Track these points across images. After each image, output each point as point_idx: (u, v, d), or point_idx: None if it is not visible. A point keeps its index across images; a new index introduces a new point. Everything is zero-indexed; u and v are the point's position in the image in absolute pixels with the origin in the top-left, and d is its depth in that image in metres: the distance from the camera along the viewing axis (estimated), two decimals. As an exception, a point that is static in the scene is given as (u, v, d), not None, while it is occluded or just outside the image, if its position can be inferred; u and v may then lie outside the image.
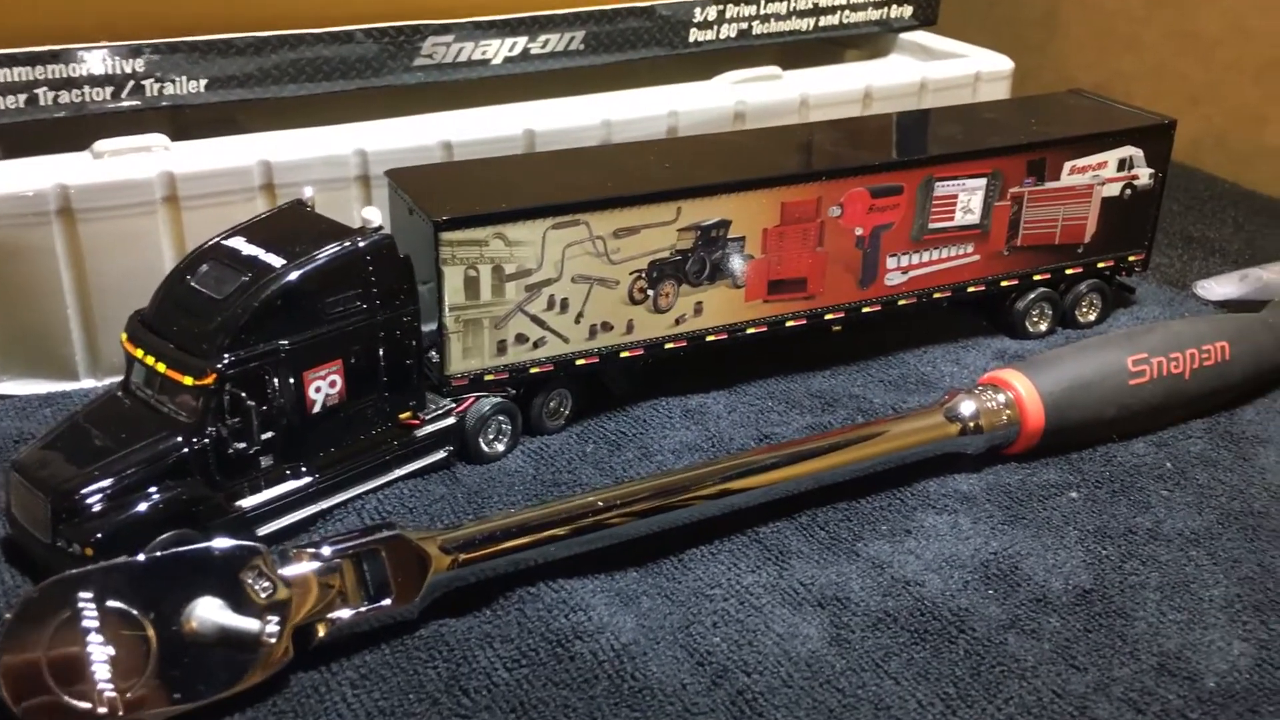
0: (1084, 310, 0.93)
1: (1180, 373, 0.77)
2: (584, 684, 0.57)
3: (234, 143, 0.84)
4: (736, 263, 0.78)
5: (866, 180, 0.81)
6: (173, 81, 0.86)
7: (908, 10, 1.16)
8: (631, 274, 0.76)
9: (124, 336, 0.66)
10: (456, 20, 0.94)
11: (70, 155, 0.82)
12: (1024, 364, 0.77)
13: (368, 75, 0.93)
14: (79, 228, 0.76)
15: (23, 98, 0.82)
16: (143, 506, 0.60)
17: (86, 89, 0.84)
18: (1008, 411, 0.74)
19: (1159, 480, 0.74)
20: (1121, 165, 0.89)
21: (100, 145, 0.81)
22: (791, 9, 1.10)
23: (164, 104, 0.87)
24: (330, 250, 0.65)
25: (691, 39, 1.05)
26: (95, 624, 0.53)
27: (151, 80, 0.86)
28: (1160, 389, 0.77)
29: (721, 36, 1.07)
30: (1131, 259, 0.93)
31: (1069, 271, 0.91)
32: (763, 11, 1.08)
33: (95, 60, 0.83)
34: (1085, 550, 0.67)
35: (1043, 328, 0.91)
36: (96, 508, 0.59)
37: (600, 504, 0.63)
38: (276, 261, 0.64)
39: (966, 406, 0.73)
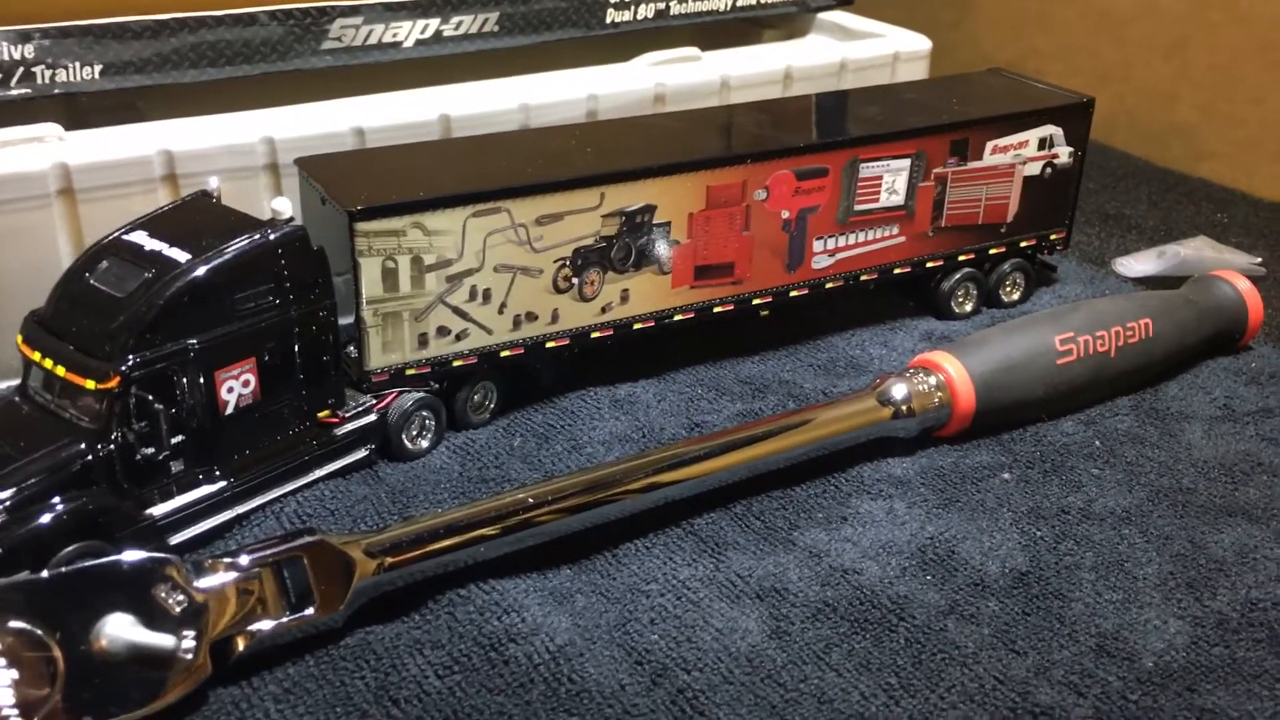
0: (1008, 289, 0.93)
1: (1106, 351, 0.78)
2: (519, 689, 0.55)
3: (133, 132, 0.80)
4: (662, 248, 0.77)
5: (792, 163, 0.80)
6: (66, 68, 0.82)
7: (824, -11, 1.15)
8: (555, 262, 0.74)
9: (19, 339, 0.62)
10: (366, 1, 0.91)
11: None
12: (954, 345, 0.76)
13: (273, 59, 0.90)
14: (-33, 224, 0.72)
15: (-105, 84, 0.77)
16: (46, 518, 0.57)
17: (-30, 76, 0.79)
18: (939, 394, 0.73)
19: (1089, 459, 0.74)
20: (1042, 144, 0.89)
21: (-12, 136, 0.77)
22: (709, -12, 1.08)
23: (57, 91, 0.83)
24: (240, 243, 0.62)
25: (608, 20, 1.03)
26: (-4, 647, 0.49)
27: (43, 67, 0.81)
28: (1087, 367, 0.77)
29: (639, 17, 1.05)
30: (1053, 237, 0.93)
31: (992, 251, 0.91)
32: (679, -10, 1.07)
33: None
34: (1020, 532, 0.67)
35: (968, 308, 0.91)
36: (-3, 520, 0.56)
37: (530, 500, 0.61)
38: (182, 256, 0.61)
39: (898, 390, 0.73)
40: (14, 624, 0.50)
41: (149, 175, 0.77)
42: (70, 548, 0.57)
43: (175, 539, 0.61)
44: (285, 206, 0.64)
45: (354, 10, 0.91)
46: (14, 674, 0.49)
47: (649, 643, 0.58)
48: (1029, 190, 0.90)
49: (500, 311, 0.73)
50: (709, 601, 0.61)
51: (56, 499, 0.57)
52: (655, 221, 0.76)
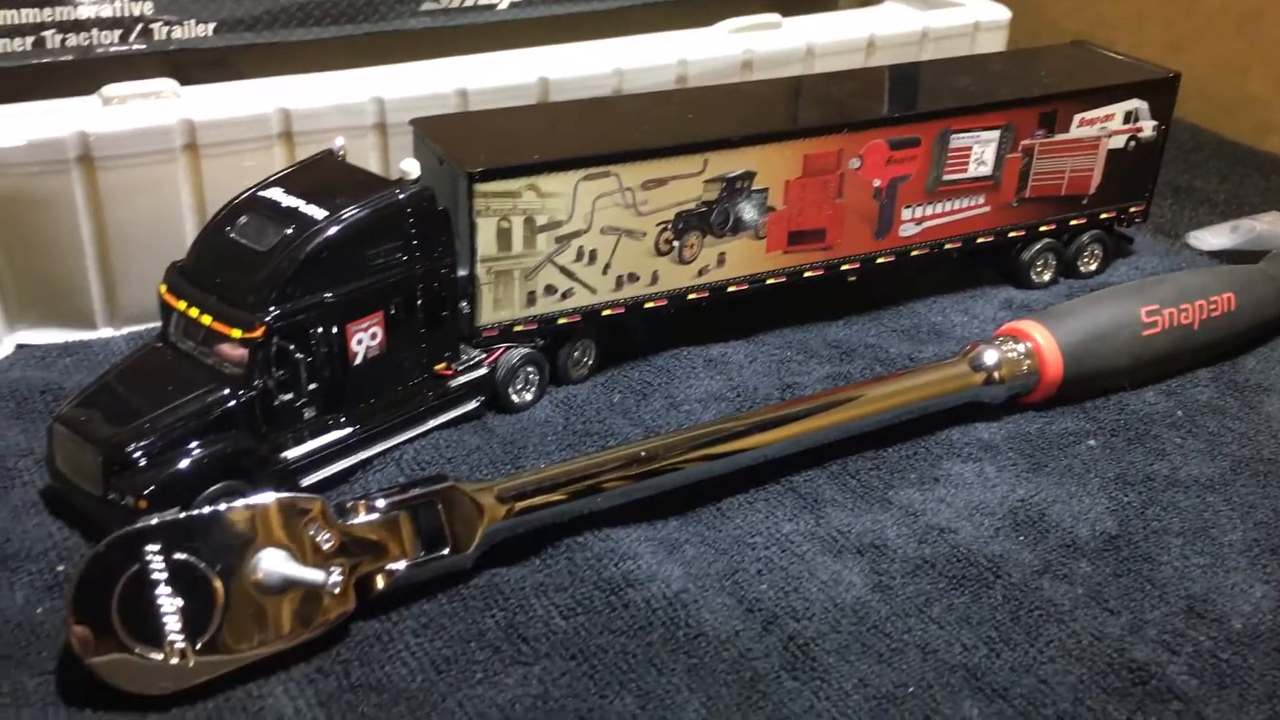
0: (1086, 261, 0.95)
1: (1190, 323, 0.80)
2: (640, 631, 0.58)
3: (248, 89, 0.83)
4: (758, 213, 0.79)
5: (887, 133, 0.82)
6: (181, 25, 0.85)
7: (902, -44, 1.16)
8: (658, 225, 0.76)
9: (162, 288, 0.65)
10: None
11: (79, 100, 0.80)
12: (1042, 314, 0.79)
13: (375, 19, 0.92)
14: (98, 175, 0.75)
15: (30, 40, 0.80)
16: (194, 459, 0.60)
17: (94, 32, 0.82)
18: (1028, 361, 0.76)
19: (1172, 428, 0.76)
20: (1128, 118, 0.91)
21: (110, 90, 0.80)
22: (788, -45, 1.09)
23: (171, 48, 0.85)
24: (372, 202, 0.65)
25: (695, -20, 1.05)
26: (163, 577, 0.53)
27: (160, 24, 0.84)
28: (1172, 339, 0.79)
29: (720, -19, 1.06)
30: (1133, 210, 0.95)
31: (1073, 223, 0.93)
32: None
33: (104, 3, 0.81)
34: (1108, 497, 0.69)
35: (1046, 277, 0.93)
36: (148, 460, 0.59)
37: (644, 454, 0.64)
38: (319, 214, 0.64)
39: (989, 356, 0.75)
40: (178, 556, 0.53)
41: (267, 132, 0.80)
42: (214, 487, 0.61)
43: (306, 481, 0.65)
44: (414, 168, 0.67)
45: (451, -28, 0.93)
46: (179, 602, 0.53)
47: (758, 592, 0.61)
48: (1112, 163, 0.92)
49: (604, 272, 0.76)
50: (812, 555, 0.64)
51: (203, 441, 0.61)
52: (754, 188, 0.78)
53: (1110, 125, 0.90)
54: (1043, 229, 0.92)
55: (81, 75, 0.81)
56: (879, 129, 0.81)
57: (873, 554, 0.64)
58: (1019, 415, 0.77)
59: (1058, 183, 0.91)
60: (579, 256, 0.75)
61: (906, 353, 0.83)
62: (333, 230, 0.63)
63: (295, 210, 0.64)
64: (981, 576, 0.63)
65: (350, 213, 0.64)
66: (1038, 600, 0.61)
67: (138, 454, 0.59)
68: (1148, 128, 0.92)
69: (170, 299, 0.64)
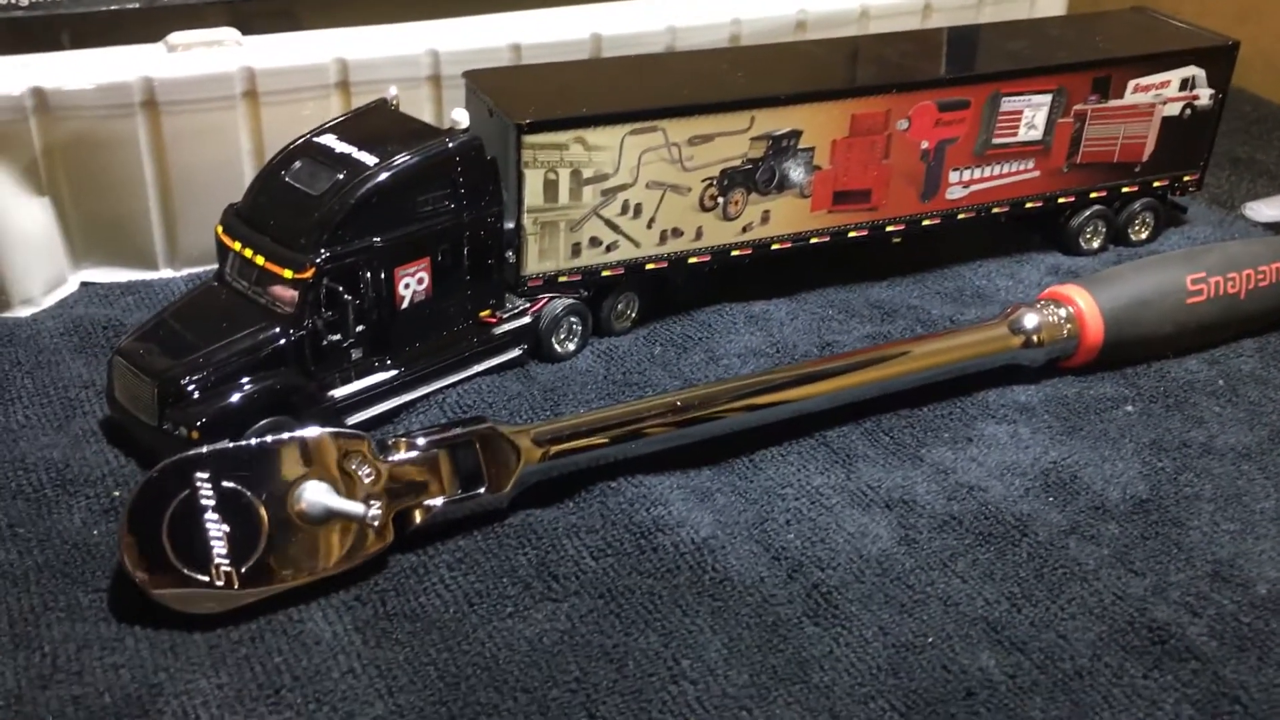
0: (1137, 229, 0.94)
1: (1236, 293, 0.79)
2: (667, 574, 0.60)
3: (307, 39, 0.85)
4: (804, 172, 0.79)
5: (935, 94, 0.82)
6: (245, -34, 0.87)
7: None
8: (703, 181, 0.77)
9: (219, 229, 0.67)
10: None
11: (145, 47, 0.82)
12: (1085, 279, 0.79)
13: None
14: (162, 120, 0.78)
15: (93, -21, 0.82)
16: (245, 393, 0.63)
17: (161, -25, 0.84)
18: (1068, 325, 0.76)
19: (1212, 396, 0.76)
20: (1184, 85, 0.90)
21: (174, 38, 0.82)
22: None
23: (231, -7, 0.87)
24: (421, 150, 0.67)
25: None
26: (212, 503, 0.55)
27: (224, -29, 0.86)
28: (1216, 308, 0.79)
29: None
30: (1186, 179, 0.94)
31: (1125, 190, 0.92)
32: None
33: (169, -49, 0.83)
34: (1141, 462, 0.70)
35: (1095, 244, 0.93)
36: (201, 393, 0.62)
37: (679, 404, 0.66)
38: (369, 160, 0.66)
39: (1029, 320, 0.75)
40: (226, 484, 0.56)
41: (324, 81, 0.82)
42: (264, 421, 0.63)
43: (351, 420, 0.67)
44: (463, 117, 0.68)
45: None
46: (226, 528, 0.55)
47: (785, 541, 0.62)
48: (1166, 131, 0.91)
49: (649, 226, 0.77)
50: (841, 508, 0.65)
51: (253, 377, 0.63)
52: (800, 146, 0.79)
53: (1166, 92, 0.90)
54: (1093, 195, 0.91)
55: (148, 23, 0.84)
56: (928, 90, 0.81)
57: (901, 509, 0.65)
58: (1058, 379, 0.77)
59: (1110, 149, 0.90)
60: (624, 210, 0.76)
61: (949, 315, 0.84)
62: (383, 176, 0.65)
63: (348, 156, 0.66)
64: (1008, 534, 0.64)
65: (400, 160, 0.66)
66: (1062, 559, 0.62)
67: (191, 387, 0.62)
68: (1204, 95, 0.91)
69: (226, 239, 0.66)
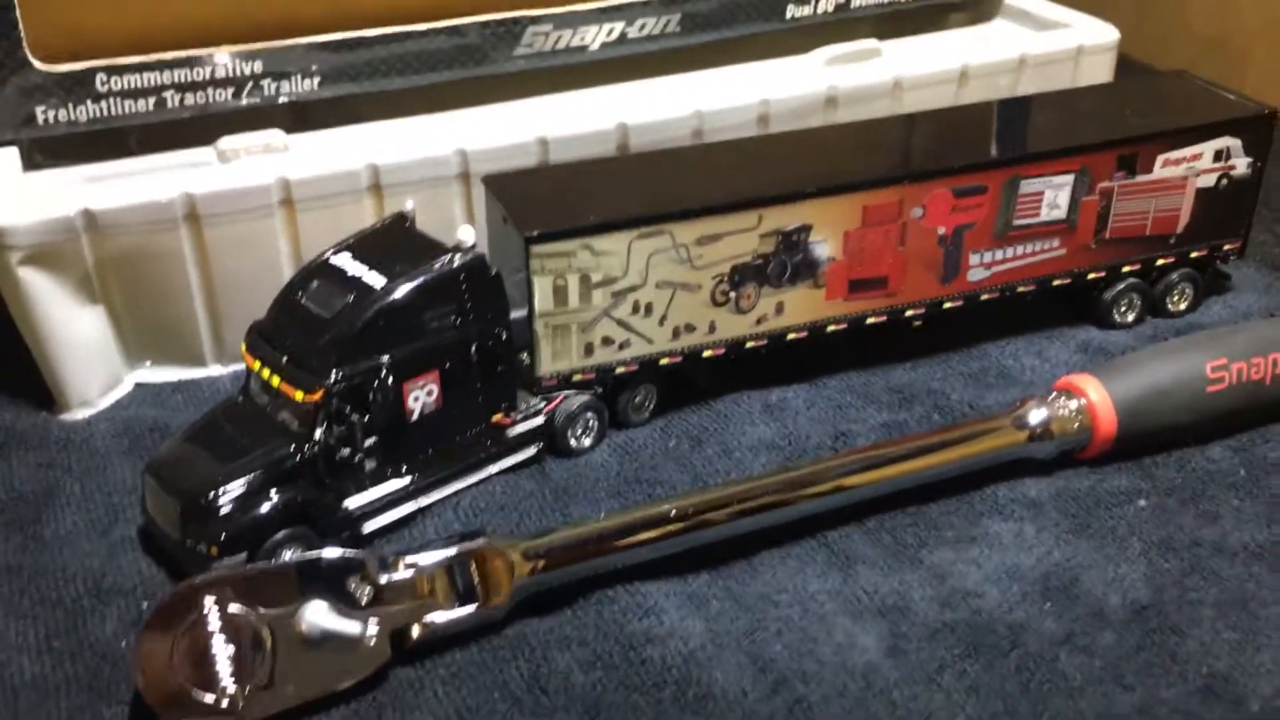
0: (1175, 300, 0.93)
1: (1261, 379, 0.78)
2: (653, 688, 0.62)
3: (344, 140, 0.89)
4: (817, 263, 0.80)
5: (949, 182, 0.82)
6: (289, 79, 0.91)
7: (1013, -26, 1.14)
8: (714, 278, 0.79)
9: (243, 347, 0.72)
10: (556, 11, 0.97)
11: (196, 153, 0.88)
12: (1100, 369, 0.78)
13: (471, 65, 0.97)
14: (204, 231, 0.83)
15: (152, 100, 0.88)
16: (261, 509, 0.67)
17: (210, 91, 0.89)
18: (1080, 418, 0.75)
19: (1230, 489, 0.75)
20: (1218, 156, 0.88)
21: (224, 143, 0.87)
22: (891, -22, 1.09)
23: (281, 100, 0.92)
24: (427, 270, 0.70)
25: (788, 15, 1.06)
26: (219, 625, 0.59)
27: (269, 79, 0.91)
28: (1239, 395, 0.77)
29: (819, 11, 1.07)
30: (1227, 247, 0.92)
31: (1160, 262, 0.91)
32: (861, -16, 1.08)
33: (219, 64, 0.88)
34: (1147, 563, 0.69)
35: (1130, 318, 0.92)
36: (220, 511, 0.66)
37: (673, 513, 0.68)
38: (378, 282, 0.69)
39: (1037, 415, 0.75)
40: (233, 607, 0.60)
41: (357, 187, 0.86)
42: (281, 533, 0.67)
43: (367, 527, 0.71)
44: (469, 235, 0.72)
45: (545, 19, 0.97)
46: (231, 650, 0.59)
47: (773, 652, 0.64)
48: (1202, 201, 0.89)
49: (660, 324, 0.79)
50: (833, 615, 0.66)
51: (271, 492, 0.67)
52: (811, 240, 0.80)
53: (1198, 165, 0.88)
54: (1126, 269, 0.90)
55: (203, 127, 0.89)
56: (941, 179, 0.82)
57: (894, 616, 0.66)
58: (1072, 470, 0.77)
59: (1141, 223, 0.89)
60: (635, 310, 0.78)
61: (969, 399, 0.84)
62: (389, 298, 0.69)
63: (358, 279, 0.70)
64: (998, 645, 0.64)
65: (407, 281, 0.69)
66: (1050, 673, 0.62)
67: (211, 505, 0.66)
68: (1241, 165, 0.89)
69: (248, 358, 0.71)
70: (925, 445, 0.74)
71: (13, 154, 0.84)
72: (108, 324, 0.84)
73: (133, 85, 0.87)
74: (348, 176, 0.85)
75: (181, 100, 0.89)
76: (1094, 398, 0.75)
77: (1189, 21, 1.40)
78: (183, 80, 0.89)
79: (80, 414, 0.83)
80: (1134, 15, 1.43)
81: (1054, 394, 0.77)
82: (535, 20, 0.97)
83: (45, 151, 0.87)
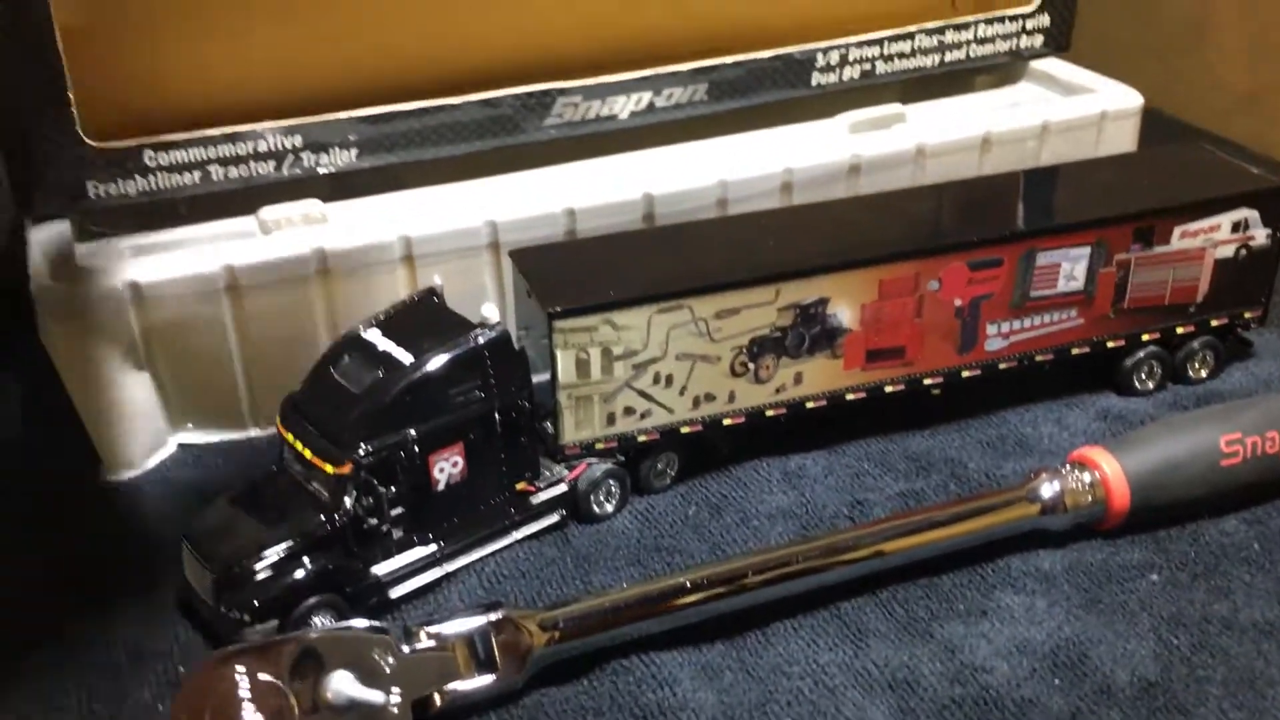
0: (1196, 367, 0.93)
1: (1276, 452, 0.79)
2: (664, 759, 0.64)
3: (379, 210, 0.93)
4: (835, 334, 0.82)
5: (965, 256, 0.84)
6: (329, 151, 0.95)
7: (1038, 39, 1.16)
8: (732, 350, 0.81)
9: (278, 419, 0.75)
10: (586, 82, 1.00)
11: (238, 222, 0.92)
12: (1114, 442, 0.79)
13: (503, 136, 1.00)
14: (244, 301, 0.86)
15: (198, 174, 0.92)
16: (293, 577, 0.69)
17: (253, 164, 0.93)
18: (1093, 491, 0.77)
19: (1243, 563, 0.75)
20: (1236, 228, 0.89)
21: (265, 213, 0.91)
22: (916, 47, 1.11)
23: (321, 172, 0.96)
24: (453, 347, 0.73)
25: (814, 82, 1.08)
26: (248, 694, 0.62)
27: (309, 152, 0.94)
28: (1254, 470, 0.78)
29: (845, 78, 1.10)
30: (1248, 315, 0.93)
31: (1180, 330, 0.92)
32: (886, 51, 1.10)
33: (261, 138, 0.92)
34: (1157, 639, 0.70)
35: (1151, 385, 0.92)
36: (253, 579, 0.69)
37: (687, 585, 0.70)
38: (406, 358, 0.72)
39: (1049, 488, 0.76)
40: (263, 676, 0.63)
41: (390, 257, 0.89)
42: (310, 600, 0.70)
43: (394, 593, 0.73)
44: (493, 313, 0.75)
45: (575, 90, 1.00)
46: (260, 718, 0.62)
47: (783, 725, 0.65)
48: (1221, 271, 0.90)
49: (681, 394, 0.81)
50: (843, 689, 0.68)
51: (302, 561, 0.70)
52: (828, 312, 0.82)
53: (1216, 236, 0.89)
54: (1146, 337, 0.91)
55: (247, 198, 0.93)
56: (956, 253, 0.83)
57: (903, 690, 0.67)
58: (1086, 541, 0.78)
59: (1160, 293, 0.90)
60: (655, 380, 0.80)
61: (986, 468, 0.85)
62: (417, 375, 0.72)
63: (387, 354, 0.73)
64: (1004, 721, 0.65)
65: (434, 357, 0.72)
66: (1055, 751, 0.63)
67: (244, 573, 0.69)
68: (1260, 235, 0.90)
69: (282, 430, 0.74)
70: (939, 518, 0.75)
71: (64, 226, 0.88)
72: (153, 389, 0.87)
73: (179, 160, 0.91)
74: (381, 248, 0.89)
75: (226, 174, 0.93)
76: (1107, 471, 0.77)
77: (1220, 78, 1.41)
78: (227, 155, 0.92)
79: (126, 474, 0.86)
80: (1163, 73, 1.44)
81: (1068, 467, 0.78)
82: (565, 92, 1.00)
83: (96, 222, 0.92)
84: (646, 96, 1.03)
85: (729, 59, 1.03)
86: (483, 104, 0.98)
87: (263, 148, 0.93)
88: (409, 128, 0.96)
